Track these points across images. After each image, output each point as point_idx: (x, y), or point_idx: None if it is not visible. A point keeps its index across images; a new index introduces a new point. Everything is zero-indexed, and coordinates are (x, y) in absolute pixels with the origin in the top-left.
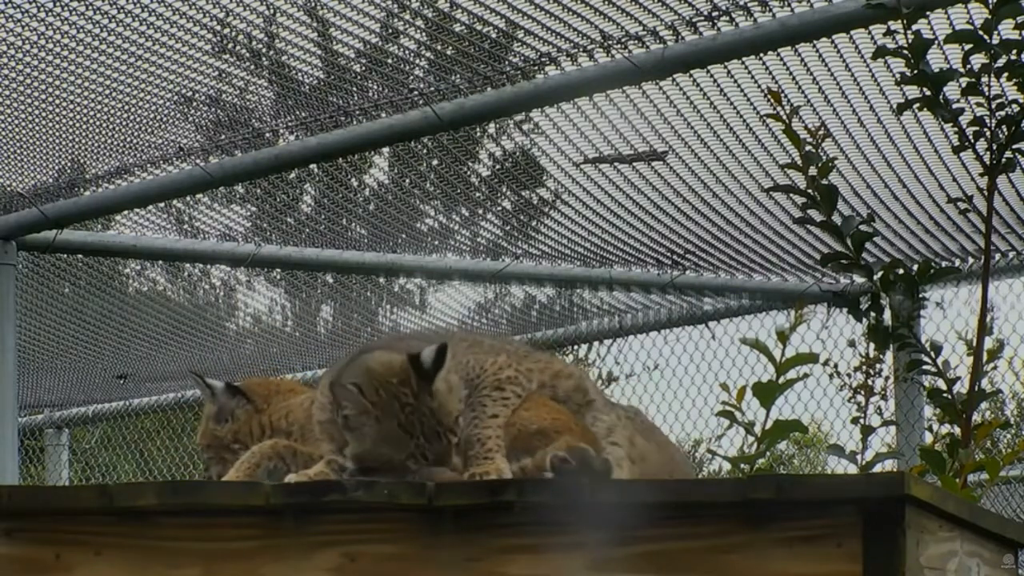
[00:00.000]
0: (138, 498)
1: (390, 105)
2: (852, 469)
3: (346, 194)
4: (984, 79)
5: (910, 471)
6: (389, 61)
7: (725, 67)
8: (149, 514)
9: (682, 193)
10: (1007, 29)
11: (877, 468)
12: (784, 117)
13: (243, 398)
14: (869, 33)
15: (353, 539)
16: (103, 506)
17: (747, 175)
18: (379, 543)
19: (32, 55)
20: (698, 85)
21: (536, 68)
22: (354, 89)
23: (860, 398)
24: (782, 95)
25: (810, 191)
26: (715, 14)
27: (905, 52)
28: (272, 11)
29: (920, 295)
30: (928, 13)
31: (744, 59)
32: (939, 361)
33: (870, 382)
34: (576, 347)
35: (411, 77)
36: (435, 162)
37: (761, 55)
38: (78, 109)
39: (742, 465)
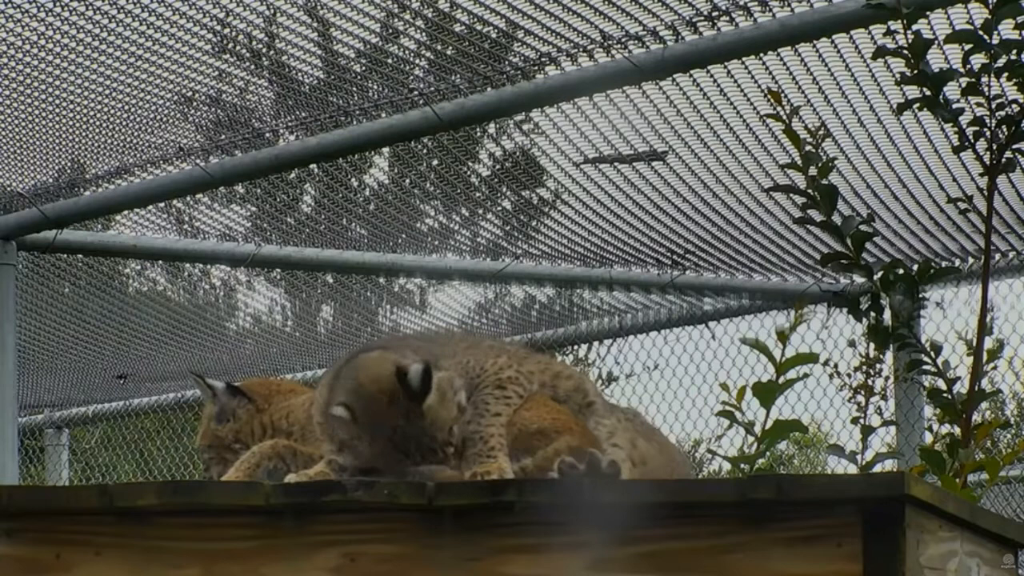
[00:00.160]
0: (138, 498)
1: (390, 105)
2: (852, 469)
3: (346, 194)
4: (984, 79)
5: (910, 471)
6: (389, 61)
7: (725, 67)
8: (149, 514)
9: (682, 193)
10: (1007, 29)
11: (877, 468)
12: (784, 117)
13: (244, 398)
14: (869, 33)
15: (353, 539)
16: (103, 506)
17: (747, 175)
18: (379, 543)
19: (32, 55)
20: (698, 85)
21: (536, 68)
22: (354, 89)
23: (860, 398)
24: (782, 95)
25: (810, 191)
26: (715, 14)
27: (905, 52)
28: (272, 11)
29: (920, 295)
30: (928, 13)
31: (744, 59)
32: (939, 361)
33: (870, 382)
34: (576, 347)
35: (411, 77)
36: (435, 162)
37: (761, 55)
38: (78, 109)
39: (742, 465)
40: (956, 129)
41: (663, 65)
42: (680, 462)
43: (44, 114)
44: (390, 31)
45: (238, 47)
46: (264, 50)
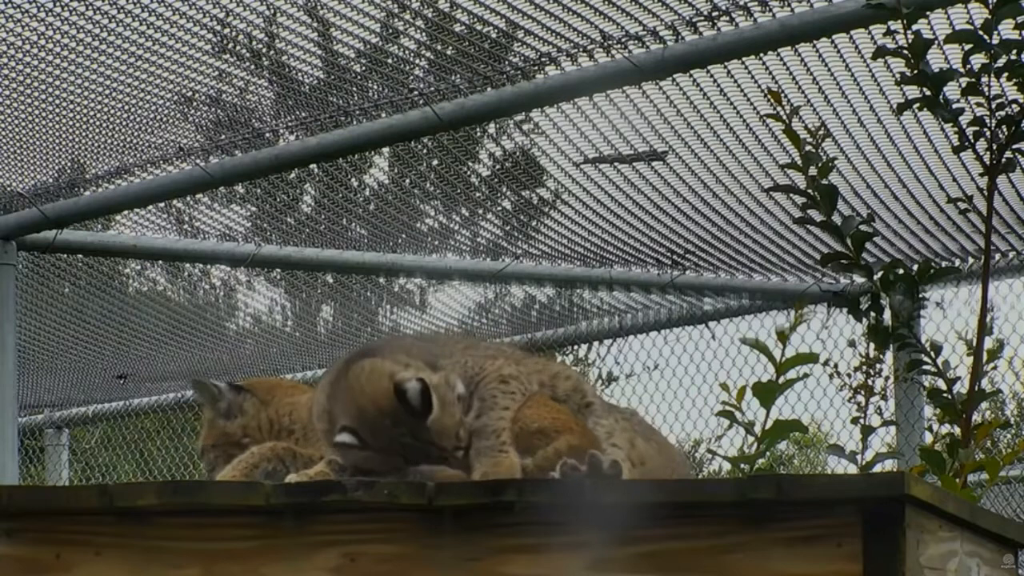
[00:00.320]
0: (138, 498)
1: (390, 105)
2: (852, 469)
3: (346, 194)
4: (984, 79)
5: (910, 471)
6: (389, 61)
7: (725, 67)
8: (149, 514)
9: (682, 193)
10: (1007, 29)
11: (877, 468)
12: (784, 117)
13: (247, 392)
14: (869, 33)
15: (353, 539)
16: (103, 506)
17: (747, 175)
18: (379, 543)
19: (32, 55)
20: (698, 85)
21: (536, 68)
22: (354, 89)
23: (860, 398)
24: (782, 95)
25: (810, 191)
26: (715, 14)
27: (905, 52)
28: (272, 11)
29: (920, 295)
30: (928, 13)
31: (744, 59)
32: (939, 361)
33: (870, 382)
34: (576, 347)
35: (411, 77)
36: (435, 162)
37: (761, 55)
38: (78, 109)
39: (742, 465)
40: (956, 129)
41: (663, 65)
42: (679, 462)
43: (44, 114)
44: (390, 31)
45: (238, 47)
46: (264, 50)
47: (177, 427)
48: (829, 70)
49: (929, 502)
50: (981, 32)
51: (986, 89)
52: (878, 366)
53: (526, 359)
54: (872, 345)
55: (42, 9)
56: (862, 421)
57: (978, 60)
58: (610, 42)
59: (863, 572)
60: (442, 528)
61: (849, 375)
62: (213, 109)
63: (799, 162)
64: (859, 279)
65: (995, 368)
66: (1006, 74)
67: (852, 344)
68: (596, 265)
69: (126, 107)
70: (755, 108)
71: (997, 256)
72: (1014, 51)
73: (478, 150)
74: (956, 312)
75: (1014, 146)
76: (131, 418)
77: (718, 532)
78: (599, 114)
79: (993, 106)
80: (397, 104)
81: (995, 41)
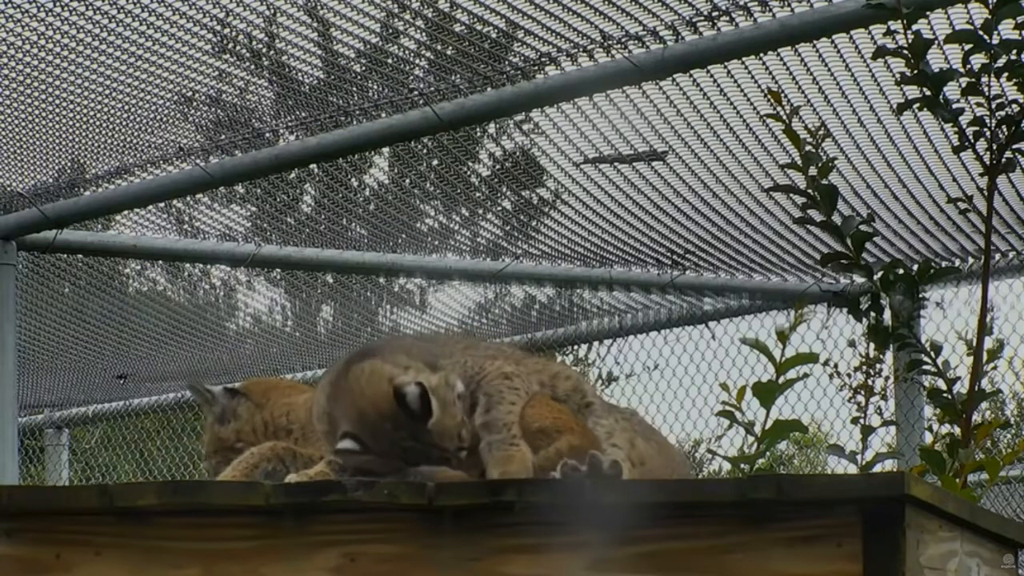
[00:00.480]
0: (138, 498)
1: (390, 105)
2: (852, 469)
3: (346, 194)
4: (984, 79)
5: (910, 471)
6: (389, 61)
7: (725, 67)
8: (149, 514)
9: (682, 193)
10: (1007, 29)
11: (877, 468)
12: (784, 117)
13: (241, 396)
14: (869, 33)
15: (353, 539)
16: (103, 506)
17: (747, 175)
18: (379, 543)
19: (32, 55)
20: (698, 85)
21: (536, 68)
22: (354, 89)
23: (860, 398)
24: (782, 95)
25: (810, 191)
26: (715, 14)
27: (905, 52)
28: (272, 11)
29: (920, 295)
30: (928, 13)
31: (744, 59)
32: (939, 361)
33: (870, 382)
34: (576, 347)
35: (411, 77)
36: (435, 162)
37: (761, 55)
38: (78, 109)
39: (742, 465)
40: (956, 129)
41: (663, 65)
42: (679, 462)
43: (44, 114)
44: (390, 31)
45: (238, 47)
46: (264, 50)
47: (177, 427)
48: (829, 70)
49: (929, 502)
50: (981, 32)
51: (986, 89)
52: (878, 366)
53: (526, 359)
54: (872, 345)
55: (42, 9)
56: (862, 421)
57: (978, 60)
58: (610, 42)
59: (863, 572)
60: (442, 528)
61: (849, 375)
62: (213, 109)
63: (799, 162)
64: (859, 279)
65: (995, 368)
66: (1006, 74)
67: (852, 344)
68: (596, 265)
69: (126, 107)
70: (755, 108)
71: (997, 256)
72: (1014, 51)
73: (478, 150)
74: (956, 312)
75: (1014, 146)
76: (131, 418)
77: (718, 532)
78: (599, 114)
79: (993, 106)
80: (397, 104)
81: (995, 41)
